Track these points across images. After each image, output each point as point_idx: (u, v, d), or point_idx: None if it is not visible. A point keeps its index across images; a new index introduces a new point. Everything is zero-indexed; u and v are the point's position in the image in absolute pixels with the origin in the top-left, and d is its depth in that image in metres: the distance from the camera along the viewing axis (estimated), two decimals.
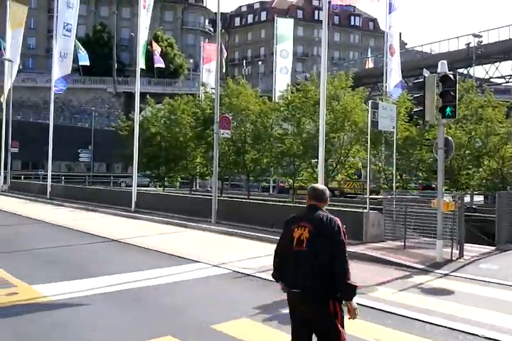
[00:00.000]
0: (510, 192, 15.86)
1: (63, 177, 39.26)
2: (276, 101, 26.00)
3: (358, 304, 3.63)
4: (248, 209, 15.81)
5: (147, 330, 5.61)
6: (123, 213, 18.78)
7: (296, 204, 17.93)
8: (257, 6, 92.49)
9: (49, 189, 26.57)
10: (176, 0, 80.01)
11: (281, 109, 22.38)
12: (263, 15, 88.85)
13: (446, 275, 8.52)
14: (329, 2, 12.28)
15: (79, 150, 47.01)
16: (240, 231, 13.64)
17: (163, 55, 46.03)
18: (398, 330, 5.62)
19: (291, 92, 22.28)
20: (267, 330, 5.65)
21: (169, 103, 29.25)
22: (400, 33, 34.67)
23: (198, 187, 36.78)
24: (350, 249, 5.63)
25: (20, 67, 43.19)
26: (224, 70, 36.57)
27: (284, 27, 35.75)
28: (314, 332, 3.65)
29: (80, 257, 10.19)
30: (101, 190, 27.33)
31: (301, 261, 3.52)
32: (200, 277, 8.34)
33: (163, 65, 40.32)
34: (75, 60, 30.35)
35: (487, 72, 39.87)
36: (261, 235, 12.82)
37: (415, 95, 10.49)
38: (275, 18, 36.50)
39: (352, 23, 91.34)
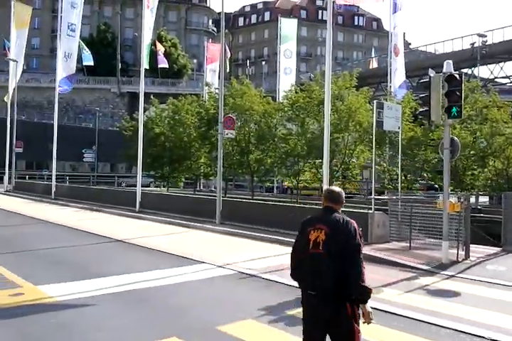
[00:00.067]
0: None
1: (67, 178, 39.27)
2: (281, 101, 25.97)
3: None
4: (252, 209, 15.79)
5: (152, 331, 5.60)
6: (127, 213, 18.80)
7: (301, 205, 17.91)
8: (260, 6, 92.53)
9: (53, 189, 26.63)
10: (179, 0, 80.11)
11: (286, 109, 22.34)
12: (266, 16, 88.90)
13: (452, 276, 8.48)
14: (334, 2, 12.23)
15: (83, 151, 47.10)
16: (244, 231, 13.63)
17: (166, 55, 46.00)
18: (404, 332, 5.59)
19: (296, 92, 22.24)
20: (273, 332, 5.64)
21: (173, 103, 29.25)
22: (404, 33, 34.58)
23: (201, 188, 36.79)
24: None
25: (25, 68, 43.24)
26: (228, 70, 36.51)
27: (288, 27, 35.75)
28: (329, 334, 3.64)
29: (85, 257, 10.20)
30: (105, 190, 27.37)
31: (318, 263, 3.52)
32: (205, 278, 8.33)
33: (167, 65, 40.22)
34: (79, 60, 30.41)
35: (492, 72, 39.71)
36: (265, 235, 12.81)
37: (420, 95, 10.44)
38: (279, 18, 36.50)
39: (356, 23, 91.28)
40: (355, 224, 3.62)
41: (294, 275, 3.84)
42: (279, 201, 21.36)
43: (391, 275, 8.47)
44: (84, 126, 58.65)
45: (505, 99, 23.62)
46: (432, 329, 5.71)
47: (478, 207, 20.12)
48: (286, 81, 33.43)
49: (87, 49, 33.11)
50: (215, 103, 24.14)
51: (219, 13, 78.07)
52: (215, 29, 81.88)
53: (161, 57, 38.32)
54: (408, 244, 10.74)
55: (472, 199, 19.28)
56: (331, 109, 16.11)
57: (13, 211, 20.07)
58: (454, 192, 15.38)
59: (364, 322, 3.53)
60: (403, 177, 17.90)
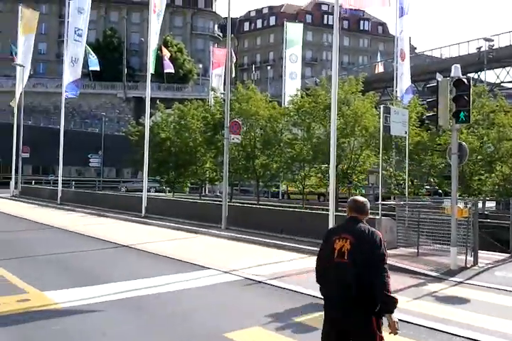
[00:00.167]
0: None
1: (73, 182, 39.40)
2: (286, 106, 25.95)
3: None
4: (258, 214, 15.74)
5: (158, 338, 5.57)
6: (133, 218, 18.79)
7: (307, 210, 17.85)
8: (265, 11, 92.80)
9: (59, 194, 26.67)
10: (185, 5, 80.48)
11: (291, 113, 22.30)
12: (272, 20, 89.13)
13: (460, 283, 8.39)
14: (340, 6, 12.21)
15: (89, 155, 47.23)
16: (250, 237, 13.57)
17: (172, 60, 46.19)
18: (414, 340, 5.51)
19: (301, 97, 22.22)
20: (280, 339, 5.59)
21: (179, 108, 29.28)
22: (410, 38, 34.54)
23: (207, 193, 36.77)
24: None
25: (32, 73, 43.51)
26: (234, 75, 36.58)
27: (294, 32, 35.79)
28: None
29: (91, 263, 10.18)
30: (111, 195, 27.40)
31: (342, 272, 3.54)
32: (211, 284, 8.28)
33: (172, 70, 40.39)
34: (85, 65, 30.55)
35: (498, 77, 39.57)
36: (271, 241, 12.75)
37: (428, 100, 10.38)
38: (285, 22, 36.57)
39: (361, 28, 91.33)
40: (380, 235, 3.64)
41: (319, 283, 3.87)
42: (285, 206, 21.31)
43: (399, 282, 8.38)
44: (90, 131, 58.89)
45: None
46: (444, 338, 5.63)
47: (486, 213, 19.99)
48: (291, 86, 33.42)
49: (93, 54, 33.28)
50: (221, 108, 24.14)
51: (225, 18, 78.38)
52: (220, 34, 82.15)
53: (166, 62, 38.50)
54: (416, 250, 10.65)
55: (479, 205, 19.18)
56: (337, 114, 16.06)
57: (20, 216, 20.11)
58: (461, 197, 15.30)
59: (390, 333, 3.51)
60: (410, 183, 17.81)
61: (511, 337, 5.61)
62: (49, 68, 71.52)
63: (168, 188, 32.66)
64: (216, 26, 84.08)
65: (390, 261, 9.97)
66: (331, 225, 11.84)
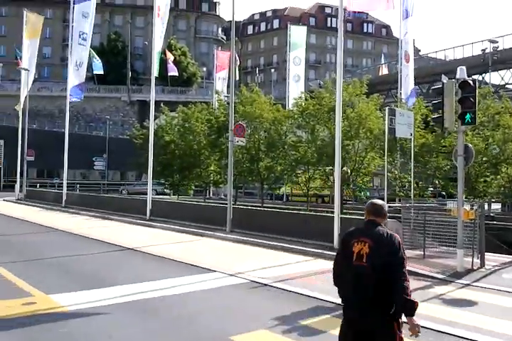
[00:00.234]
0: None
1: (78, 186, 39.50)
2: (290, 108, 25.95)
3: None
4: (263, 217, 15.72)
5: None
6: (138, 221, 18.80)
7: (312, 213, 17.82)
8: (269, 14, 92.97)
9: (64, 197, 26.73)
10: (189, 9, 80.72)
11: (295, 116, 22.31)
12: (275, 23, 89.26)
13: (467, 285, 8.34)
14: (344, 9, 12.20)
15: (93, 159, 47.39)
16: (255, 239, 13.54)
17: (176, 63, 46.29)
18: None
19: (305, 99, 22.22)
20: None
21: (183, 111, 29.35)
22: (414, 40, 34.50)
23: (211, 195, 36.78)
24: None
25: (36, 76, 43.74)
26: (238, 78, 36.63)
27: (297, 34, 35.79)
28: None
29: (96, 266, 10.17)
30: (116, 198, 27.44)
31: (361, 275, 3.54)
32: (217, 287, 8.26)
33: (176, 74, 40.43)
34: (90, 68, 30.64)
35: (502, 78, 39.45)
36: (276, 244, 12.72)
37: (433, 101, 10.35)
38: (288, 25, 36.57)
39: (365, 30, 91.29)
40: (399, 238, 3.65)
41: (337, 285, 3.87)
42: (289, 209, 21.29)
43: None
44: (94, 135, 59.12)
45: None
46: None
47: (491, 215, 19.91)
48: (295, 88, 33.43)
49: (97, 57, 33.38)
50: (225, 110, 24.18)
51: (228, 22, 78.54)
52: (224, 37, 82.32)
53: (170, 65, 38.54)
54: (422, 252, 10.59)
55: (485, 207, 19.08)
56: (342, 116, 16.05)
57: (25, 219, 20.16)
58: (467, 199, 15.24)
59: (411, 335, 3.52)
60: (415, 185, 17.75)
61: None
62: (53, 72, 71.82)
63: (170, 190, 32.65)
64: (220, 29, 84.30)
65: None
66: (336, 228, 11.83)
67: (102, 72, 34.29)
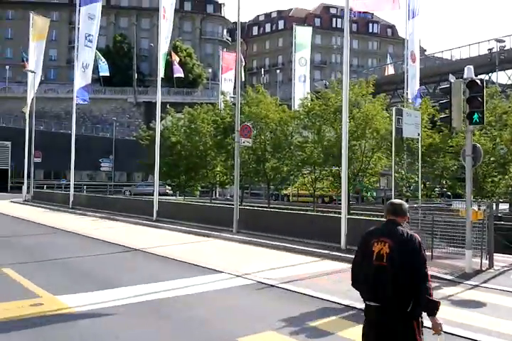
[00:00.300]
0: None
1: (85, 187, 39.65)
2: (296, 109, 25.92)
3: None
4: (269, 218, 15.69)
5: None
6: (145, 222, 18.84)
7: (319, 213, 17.77)
8: (274, 15, 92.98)
9: (71, 198, 26.84)
10: (194, 10, 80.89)
11: (301, 116, 22.27)
12: (280, 24, 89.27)
13: (476, 286, 8.27)
14: (350, 10, 12.17)
15: (100, 160, 47.53)
16: (261, 240, 13.51)
17: (182, 64, 46.43)
18: None
19: (311, 100, 22.17)
20: None
21: (189, 112, 29.39)
22: (419, 40, 34.39)
23: (217, 196, 36.79)
24: None
25: (43, 78, 43.98)
26: (243, 79, 36.66)
27: (303, 35, 35.82)
28: None
29: (103, 267, 10.19)
30: (122, 199, 27.50)
31: (381, 275, 3.56)
32: (224, 288, 8.24)
33: (182, 75, 40.59)
34: (96, 70, 30.75)
35: (509, 78, 39.24)
36: (283, 244, 12.69)
37: (440, 101, 10.28)
38: (294, 26, 36.59)
39: (370, 30, 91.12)
40: (419, 238, 3.65)
41: (355, 287, 3.87)
42: (295, 209, 21.25)
43: None
44: (101, 136, 59.36)
45: None
46: None
47: (499, 215, 19.77)
48: (301, 89, 33.43)
49: (103, 59, 33.52)
50: (231, 111, 24.18)
51: (233, 23, 78.62)
52: (229, 38, 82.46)
53: (176, 66, 38.68)
54: (430, 253, 10.48)
55: (493, 207, 18.95)
56: (348, 116, 16.00)
57: (32, 220, 20.24)
58: (475, 199, 15.13)
59: (434, 334, 3.59)
60: (422, 185, 17.66)
61: None
62: (60, 74, 72.19)
63: (171, 191, 32.66)
64: (225, 31, 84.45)
65: None
66: (343, 228, 11.78)
67: (108, 74, 34.48)
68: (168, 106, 29.99)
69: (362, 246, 3.77)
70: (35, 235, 15.61)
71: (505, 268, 9.64)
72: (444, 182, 19.05)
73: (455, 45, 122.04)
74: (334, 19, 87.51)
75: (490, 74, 37.69)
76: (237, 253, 12.15)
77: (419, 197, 13.53)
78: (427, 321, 3.56)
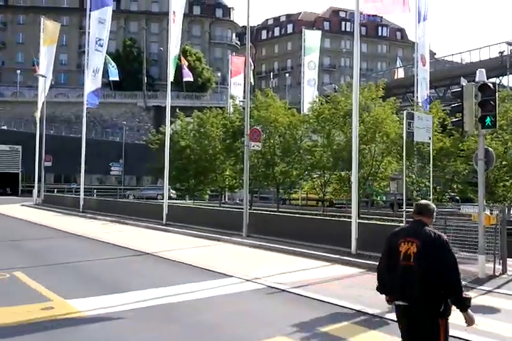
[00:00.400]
0: None
1: (95, 191, 39.81)
2: (305, 112, 25.88)
3: (397, 322, 3.88)
4: (279, 222, 15.63)
5: None
6: (155, 226, 18.86)
7: (327, 217, 17.68)
8: (283, 18, 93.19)
9: (81, 202, 26.95)
10: (203, 14, 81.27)
11: (311, 120, 22.23)
12: (289, 28, 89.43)
13: (489, 291, 8.17)
14: (360, 13, 12.15)
15: (110, 164, 47.73)
16: (271, 244, 13.47)
17: (191, 68, 46.61)
18: None
19: (321, 104, 22.14)
20: None
21: (198, 116, 29.47)
22: (429, 43, 34.25)
23: (226, 200, 36.80)
24: None
25: (53, 83, 44.28)
26: (253, 83, 36.72)
27: (312, 39, 35.84)
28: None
29: (114, 271, 10.19)
30: (132, 203, 27.57)
31: (409, 275, 3.63)
32: (234, 292, 8.20)
33: (191, 79, 40.70)
34: (105, 74, 30.95)
35: None
36: (293, 249, 12.64)
37: (452, 105, 10.21)
38: (303, 30, 36.64)
39: (379, 34, 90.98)
40: (446, 237, 3.72)
41: (380, 289, 3.94)
42: (305, 213, 21.18)
43: None
44: (111, 140, 59.66)
45: None
46: None
47: (510, 219, 19.54)
48: (310, 92, 33.41)
49: (113, 64, 33.72)
50: (240, 115, 24.19)
51: (242, 27, 78.85)
52: (238, 42, 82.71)
53: (185, 70, 38.79)
54: None
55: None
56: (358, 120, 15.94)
57: (42, 224, 20.34)
58: (486, 204, 14.98)
59: (468, 326, 3.73)
60: (433, 189, 17.52)
61: None
62: (70, 78, 72.74)
63: (175, 194, 32.69)
64: (234, 35, 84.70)
65: None
66: (353, 233, 11.71)
67: (117, 79, 34.68)
68: (177, 110, 30.10)
69: (388, 247, 3.81)
70: (45, 239, 15.68)
71: None
72: (455, 186, 18.88)
73: (465, 49, 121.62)
74: (343, 23, 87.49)
75: (501, 78, 37.47)
76: (247, 258, 12.11)
77: (431, 202, 13.38)
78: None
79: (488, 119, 8.97)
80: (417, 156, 18.02)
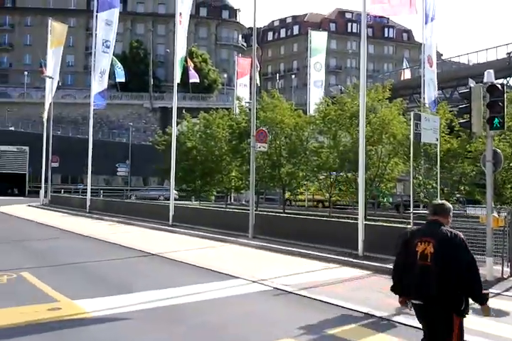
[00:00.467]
0: None
1: (102, 191, 39.93)
2: (312, 114, 25.86)
3: (404, 324, 4.46)
4: (285, 223, 15.60)
5: None
6: (161, 227, 18.88)
7: (333, 219, 17.65)
8: (289, 20, 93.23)
9: (88, 203, 27.04)
10: (209, 16, 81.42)
11: (317, 121, 22.20)
12: (295, 30, 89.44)
13: (498, 294, 8.10)
14: (367, 14, 12.11)
15: (117, 165, 47.86)
16: (277, 246, 13.43)
17: (197, 70, 46.71)
18: None
19: (327, 105, 22.11)
20: None
21: (204, 117, 29.50)
22: (436, 44, 34.12)
23: (232, 201, 36.80)
24: (389, 266, 4.79)
25: (60, 84, 44.55)
26: (259, 84, 36.75)
27: (318, 40, 35.84)
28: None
29: (120, 272, 10.21)
30: (139, 204, 27.63)
31: (426, 275, 3.66)
32: (240, 294, 8.19)
33: (198, 80, 40.78)
34: (112, 76, 31.04)
35: None
36: (300, 250, 12.60)
37: (460, 106, 10.15)
38: (309, 31, 36.65)
39: (386, 35, 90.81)
40: (463, 236, 3.76)
41: (395, 289, 3.96)
42: (310, 214, 21.13)
43: None
44: (117, 141, 59.85)
45: None
46: None
47: None
48: (316, 94, 33.39)
49: (119, 65, 33.83)
50: (246, 116, 24.20)
51: (249, 28, 78.91)
52: (244, 44, 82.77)
53: (192, 72, 38.86)
54: None
55: None
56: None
57: (49, 224, 20.40)
58: (494, 205, 14.88)
59: (485, 315, 3.88)
60: (440, 191, 17.44)
61: None
62: (77, 80, 73.06)
63: (179, 195, 32.72)
64: (240, 36, 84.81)
65: None
66: (360, 234, 11.66)
67: (124, 80, 34.77)
68: (183, 111, 30.13)
69: (404, 247, 3.84)
70: (52, 239, 15.73)
71: None
72: (462, 188, 18.79)
73: (472, 50, 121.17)
74: (349, 24, 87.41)
75: (508, 79, 37.29)
76: (254, 259, 12.09)
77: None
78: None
79: (496, 120, 8.92)
80: (424, 158, 17.95)
